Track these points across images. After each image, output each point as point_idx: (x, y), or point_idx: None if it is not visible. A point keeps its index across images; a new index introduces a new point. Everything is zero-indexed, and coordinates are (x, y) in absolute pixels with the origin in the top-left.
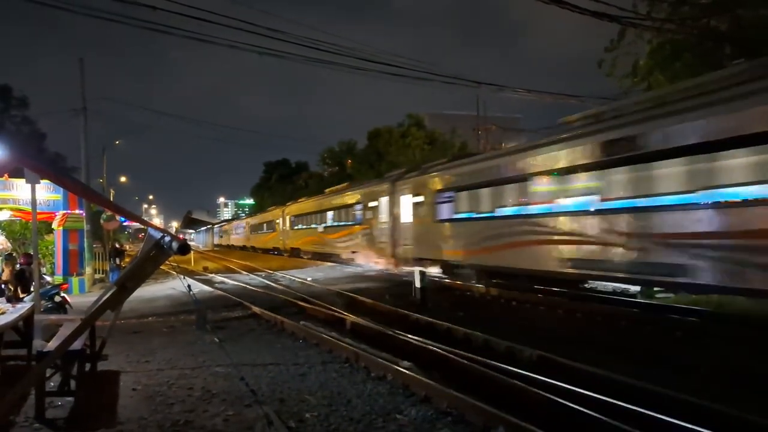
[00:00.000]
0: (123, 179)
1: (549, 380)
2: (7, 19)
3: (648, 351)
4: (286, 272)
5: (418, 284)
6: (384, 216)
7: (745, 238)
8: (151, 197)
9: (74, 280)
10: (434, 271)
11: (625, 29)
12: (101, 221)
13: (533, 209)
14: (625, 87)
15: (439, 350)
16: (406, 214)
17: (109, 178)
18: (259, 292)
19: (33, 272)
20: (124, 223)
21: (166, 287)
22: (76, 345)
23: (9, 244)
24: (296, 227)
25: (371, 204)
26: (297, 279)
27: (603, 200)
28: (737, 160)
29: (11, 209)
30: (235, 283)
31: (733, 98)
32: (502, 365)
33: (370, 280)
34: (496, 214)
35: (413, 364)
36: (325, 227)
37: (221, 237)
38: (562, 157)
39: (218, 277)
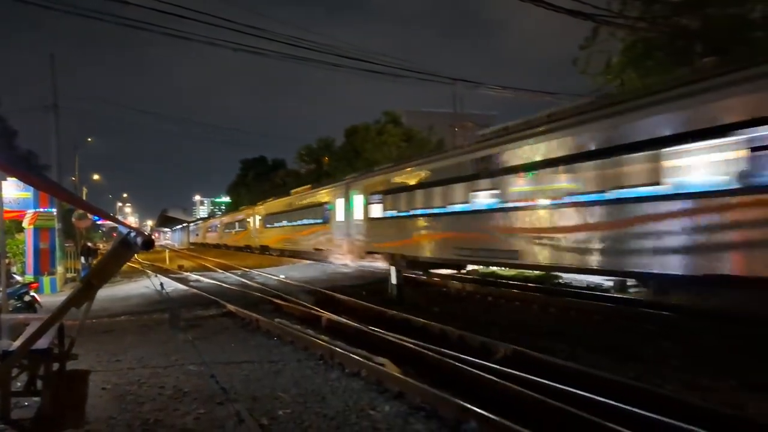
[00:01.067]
0: (96, 177)
1: (522, 374)
2: None
3: (618, 344)
4: (262, 270)
5: (393, 281)
6: (340, 215)
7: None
8: (125, 195)
9: (45, 280)
10: (383, 265)
11: (599, 27)
12: (73, 219)
13: (426, 211)
14: (599, 84)
15: (413, 346)
16: (358, 213)
17: (82, 176)
18: (234, 290)
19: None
20: (98, 222)
21: (140, 286)
22: (42, 344)
23: None
24: (266, 226)
25: (330, 204)
26: (273, 277)
27: (472, 203)
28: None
29: None
30: (210, 281)
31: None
32: (476, 360)
33: (346, 278)
34: (407, 214)
35: (388, 360)
36: (293, 226)
37: (197, 235)
38: (442, 171)
39: (193, 276)
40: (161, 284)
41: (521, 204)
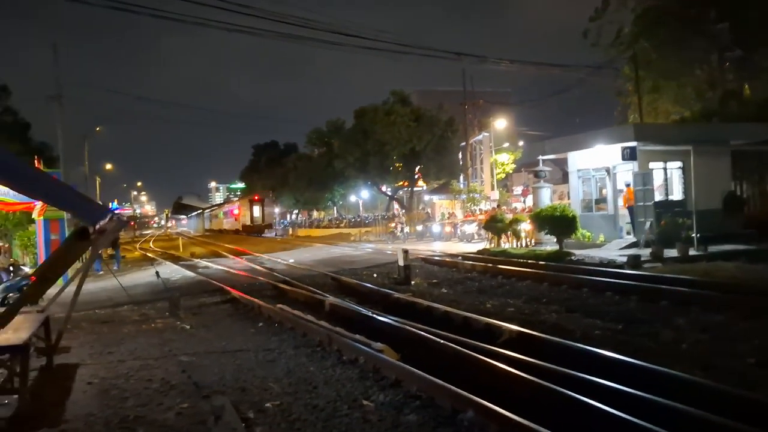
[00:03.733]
0: (108, 167)
1: (526, 358)
2: None
3: (630, 322)
4: (273, 255)
5: (401, 262)
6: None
7: None
8: (139, 184)
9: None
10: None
11: None
12: None
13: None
14: (611, 56)
15: (414, 330)
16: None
17: (96, 165)
18: (241, 276)
19: None
20: (115, 211)
21: (148, 274)
22: (17, 340)
23: None
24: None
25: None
26: (282, 261)
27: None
28: None
29: None
30: (219, 267)
31: None
32: (479, 343)
33: (355, 261)
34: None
35: (387, 345)
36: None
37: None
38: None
39: (203, 262)
40: (156, 272)
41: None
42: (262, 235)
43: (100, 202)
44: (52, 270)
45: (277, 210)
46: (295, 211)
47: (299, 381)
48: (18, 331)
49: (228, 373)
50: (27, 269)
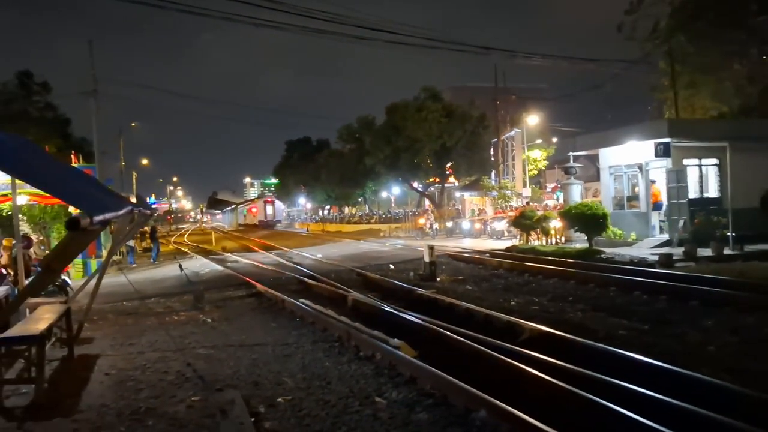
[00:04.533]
0: (144, 162)
1: (544, 357)
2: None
3: (658, 323)
4: (302, 250)
5: (427, 258)
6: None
7: None
8: (175, 179)
9: (92, 263)
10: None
11: None
12: None
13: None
14: (646, 50)
15: (433, 327)
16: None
17: (133, 161)
18: (268, 270)
19: (30, 256)
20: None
21: (178, 268)
22: (34, 330)
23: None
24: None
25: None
26: (310, 256)
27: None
28: None
29: (28, 194)
30: (248, 261)
31: None
32: (499, 342)
33: (382, 256)
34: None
35: (406, 342)
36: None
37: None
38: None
39: (233, 257)
40: (180, 265)
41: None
42: (274, 228)
43: (124, 195)
44: (57, 261)
45: (284, 207)
46: (327, 207)
47: (313, 376)
48: (37, 322)
49: (243, 366)
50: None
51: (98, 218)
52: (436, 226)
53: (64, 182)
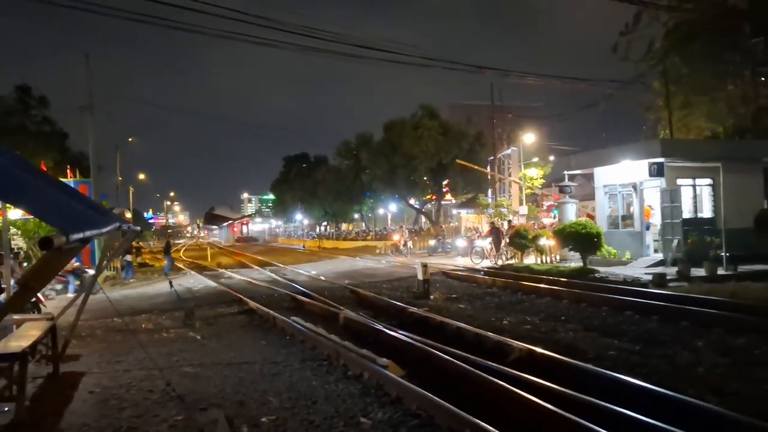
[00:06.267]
0: (141, 176)
1: (531, 377)
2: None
3: (648, 343)
4: (297, 266)
5: (420, 276)
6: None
7: None
8: (172, 194)
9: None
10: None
11: (641, 12)
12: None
13: None
14: (641, 70)
15: (421, 346)
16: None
17: (130, 175)
18: (261, 287)
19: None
20: (150, 221)
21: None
22: (17, 347)
23: None
24: None
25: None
26: (304, 273)
27: None
28: None
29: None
30: (242, 278)
31: None
32: (487, 362)
33: (377, 274)
34: None
35: (394, 361)
36: None
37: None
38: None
39: (228, 273)
40: (170, 282)
41: None
42: (252, 243)
43: (119, 210)
44: (35, 279)
45: (274, 224)
46: (324, 223)
47: (300, 396)
48: (20, 339)
49: (229, 385)
50: (91, 271)
51: (75, 236)
52: (410, 244)
53: (43, 198)
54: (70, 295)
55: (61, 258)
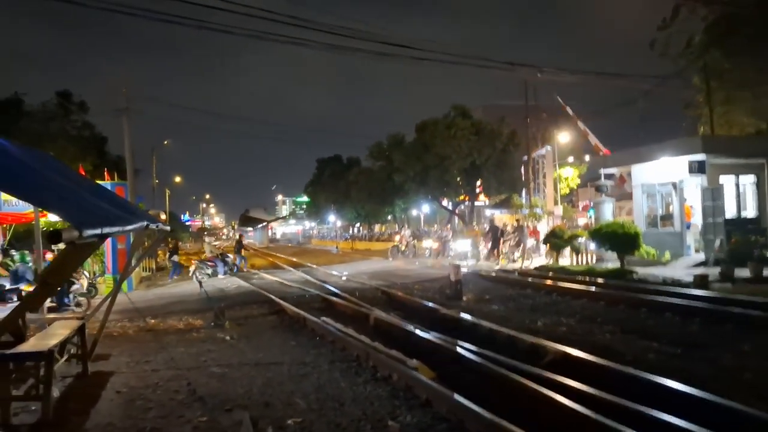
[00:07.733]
0: (177, 179)
1: (567, 381)
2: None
3: (689, 346)
4: (329, 267)
5: (453, 278)
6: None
7: None
8: (207, 196)
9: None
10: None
11: (680, 6)
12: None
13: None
14: (680, 66)
15: (452, 347)
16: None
17: (167, 178)
18: (293, 288)
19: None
20: (187, 223)
21: (207, 284)
22: (43, 346)
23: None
24: None
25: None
26: (335, 274)
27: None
28: None
29: None
30: (274, 279)
31: None
32: (521, 364)
33: (409, 275)
34: None
35: (425, 363)
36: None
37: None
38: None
39: (260, 273)
40: (200, 282)
41: None
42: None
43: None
44: (53, 276)
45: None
46: (357, 225)
47: (327, 397)
48: (47, 338)
49: (256, 386)
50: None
51: (90, 232)
52: (413, 243)
53: (57, 195)
54: (221, 276)
55: (78, 254)
